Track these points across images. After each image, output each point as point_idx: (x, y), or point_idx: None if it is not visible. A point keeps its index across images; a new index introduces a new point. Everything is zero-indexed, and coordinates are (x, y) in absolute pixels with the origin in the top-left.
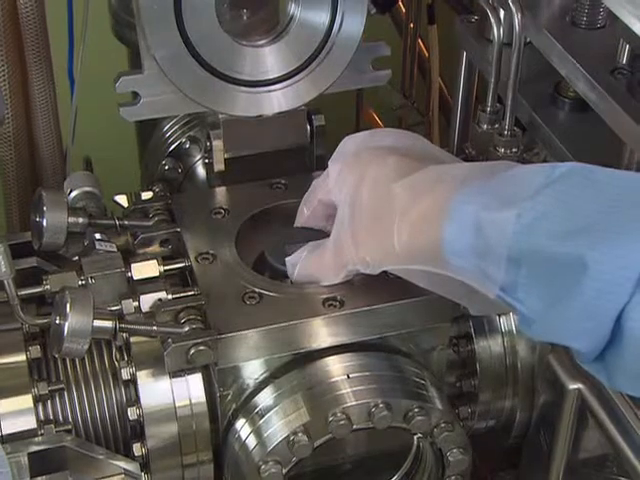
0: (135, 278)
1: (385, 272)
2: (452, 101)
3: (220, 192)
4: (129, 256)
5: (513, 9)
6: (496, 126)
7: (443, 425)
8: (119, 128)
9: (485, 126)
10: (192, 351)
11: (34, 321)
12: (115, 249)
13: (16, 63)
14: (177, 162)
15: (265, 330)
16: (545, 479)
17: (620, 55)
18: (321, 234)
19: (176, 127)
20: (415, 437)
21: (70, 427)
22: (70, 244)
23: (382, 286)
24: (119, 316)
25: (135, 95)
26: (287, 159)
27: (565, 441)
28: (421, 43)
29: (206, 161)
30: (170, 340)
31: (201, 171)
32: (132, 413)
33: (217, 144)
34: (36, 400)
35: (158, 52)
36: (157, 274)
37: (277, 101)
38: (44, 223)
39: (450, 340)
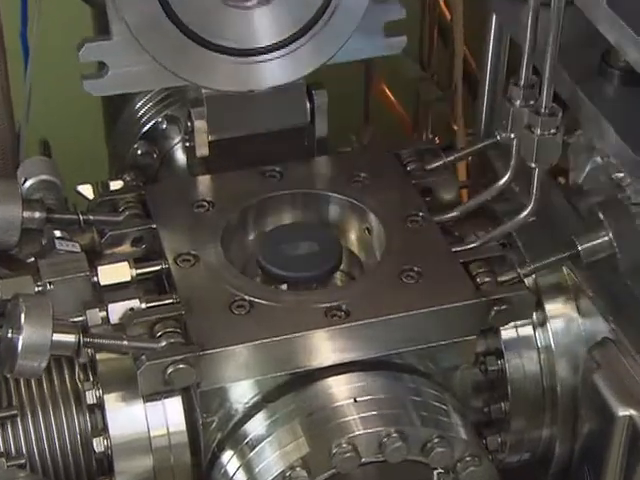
0: (102, 283)
1: (398, 275)
2: (479, 73)
3: (203, 181)
4: (95, 257)
5: None
6: (531, 103)
7: (468, 458)
8: (82, 105)
9: (518, 102)
10: (170, 370)
11: None
12: (78, 249)
13: None
14: (152, 146)
15: (256, 345)
16: None
17: None
18: (323, 234)
19: (150, 104)
20: (435, 472)
21: (24, 461)
22: (25, 243)
23: (395, 293)
24: (83, 328)
25: (102, 66)
26: (282, 142)
27: (614, 477)
28: (442, 3)
29: (187, 144)
30: (144, 357)
31: (181, 156)
32: (98, 444)
33: (199, 124)
34: None
35: (129, 15)
36: (128, 279)
37: (271, 73)
38: None
39: (476, 357)
